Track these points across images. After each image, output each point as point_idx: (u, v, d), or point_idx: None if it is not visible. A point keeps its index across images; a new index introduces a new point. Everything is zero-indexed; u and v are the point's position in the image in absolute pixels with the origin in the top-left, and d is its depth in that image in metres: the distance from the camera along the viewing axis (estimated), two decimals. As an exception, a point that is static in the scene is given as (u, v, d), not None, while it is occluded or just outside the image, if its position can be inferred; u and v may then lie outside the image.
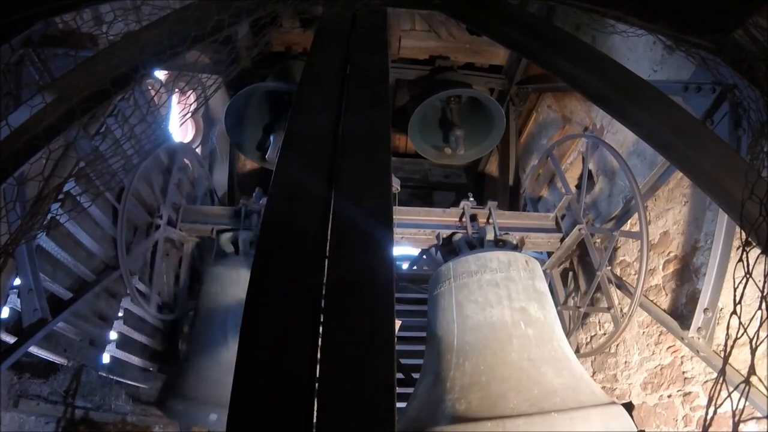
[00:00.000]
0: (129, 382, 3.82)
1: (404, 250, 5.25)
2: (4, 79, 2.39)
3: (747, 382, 1.28)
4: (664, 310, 3.08)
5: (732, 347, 1.42)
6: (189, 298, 4.17)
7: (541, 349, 2.49)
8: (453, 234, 3.46)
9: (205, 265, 3.93)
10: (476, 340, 2.55)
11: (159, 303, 3.84)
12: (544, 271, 3.90)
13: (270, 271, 1.08)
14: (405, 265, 5.21)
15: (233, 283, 3.34)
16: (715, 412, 1.27)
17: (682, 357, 2.96)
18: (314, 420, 0.84)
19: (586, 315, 3.95)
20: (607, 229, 3.46)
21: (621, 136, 3.71)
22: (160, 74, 3.69)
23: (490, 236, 3.22)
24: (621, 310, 3.35)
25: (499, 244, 3.23)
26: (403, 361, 4.04)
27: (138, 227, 3.68)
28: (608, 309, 3.39)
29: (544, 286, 2.86)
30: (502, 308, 2.61)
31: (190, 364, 3.21)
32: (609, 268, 3.48)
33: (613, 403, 2.39)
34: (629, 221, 3.40)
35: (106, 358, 3.60)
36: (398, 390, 0.90)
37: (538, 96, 5.03)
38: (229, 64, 3.13)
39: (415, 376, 3.04)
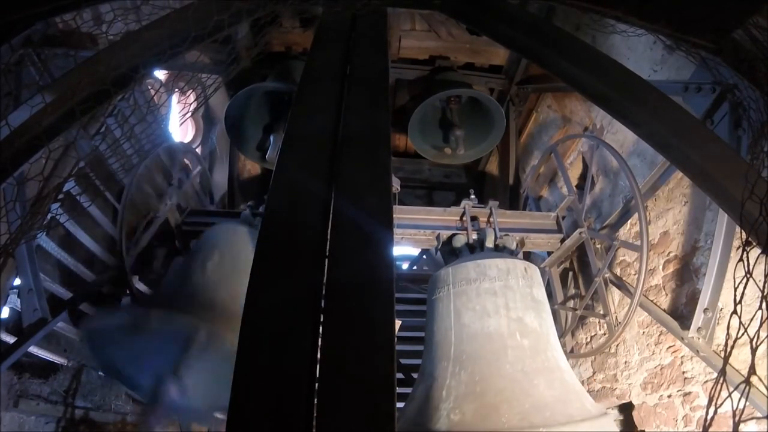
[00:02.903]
0: (129, 382, 3.82)
1: (404, 250, 5.25)
2: (4, 79, 2.39)
3: (747, 382, 1.28)
4: (664, 310, 3.08)
5: (732, 347, 1.42)
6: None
7: (535, 359, 2.51)
8: (453, 234, 3.46)
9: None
10: (473, 349, 2.57)
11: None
12: (543, 269, 3.90)
13: (270, 271, 1.08)
14: (405, 265, 5.21)
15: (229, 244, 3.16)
16: (715, 412, 1.27)
17: (682, 357, 2.96)
18: (314, 420, 0.84)
19: (584, 316, 3.95)
20: (607, 237, 3.44)
21: (621, 136, 3.71)
22: (160, 74, 3.69)
23: (490, 239, 3.22)
24: (616, 318, 3.36)
25: (499, 247, 3.23)
26: (403, 361, 4.04)
27: (138, 228, 3.67)
28: (603, 316, 3.40)
29: (541, 294, 2.87)
30: (499, 318, 2.62)
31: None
32: (608, 275, 3.48)
33: (604, 414, 2.41)
34: (629, 221, 3.40)
35: (106, 358, 3.60)
36: (398, 390, 0.90)
37: (538, 96, 5.03)
38: (229, 64, 3.13)
39: (415, 375, 3.04)
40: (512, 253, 3.16)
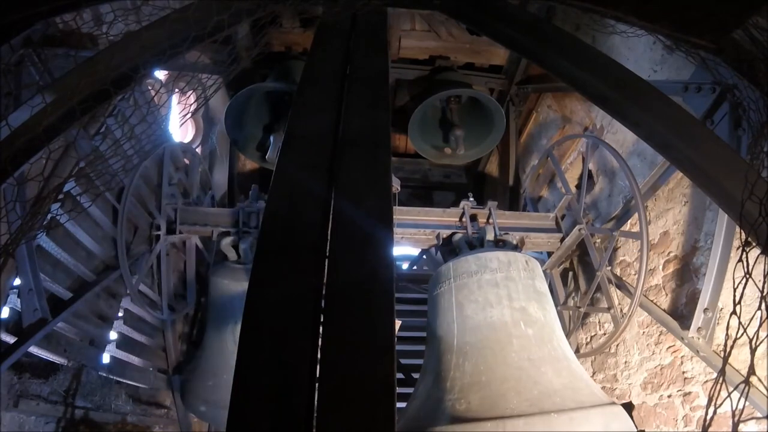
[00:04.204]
0: (129, 382, 3.82)
1: (404, 250, 5.25)
2: (4, 79, 2.39)
3: (747, 382, 1.28)
4: (664, 310, 3.08)
5: (732, 347, 1.43)
6: (196, 295, 4.28)
7: (541, 349, 2.49)
8: (453, 234, 3.46)
9: (210, 271, 3.96)
10: (476, 340, 2.55)
11: (169, 307, 3.92)
12: (544, 271, 3.90)
13: (270, 271, 1.08)
14: (405, 265, 5.21)
15: (240, 293, 3.40)
16: (715, 412, 1.27)
17: (682, 357, 2.96)
18: (314, 420, 0.84)
19: (586, 315, 3.95)
20: (607, 229, 3.46)
21: (621, 136, 3.71)
22: (160, 74, 3.69)
23: (490, 236, 3.22)
24: (621, 310, 3.35)
25: (499, 244, 3.22)
26: (403, 361, 4.04)
27: (138, 227, 3.67)
28: (608, 309, 3.38)
29: (543, 286, 2.86)
30: (502, 308, 2.61)
31: (207, 368, 3.50)
32: (609, 268, 3.48)
33: (613, 403, 2.39)
34: (629, 221, 3.40)
35: (106, 358, 3.60)
36: (398, 390, 0.90)
37: (538, 96, 5.03)
38: (229, 64, 3.12)
39: (415, 376, 3.04)
40: (513, 248, 3.16)
